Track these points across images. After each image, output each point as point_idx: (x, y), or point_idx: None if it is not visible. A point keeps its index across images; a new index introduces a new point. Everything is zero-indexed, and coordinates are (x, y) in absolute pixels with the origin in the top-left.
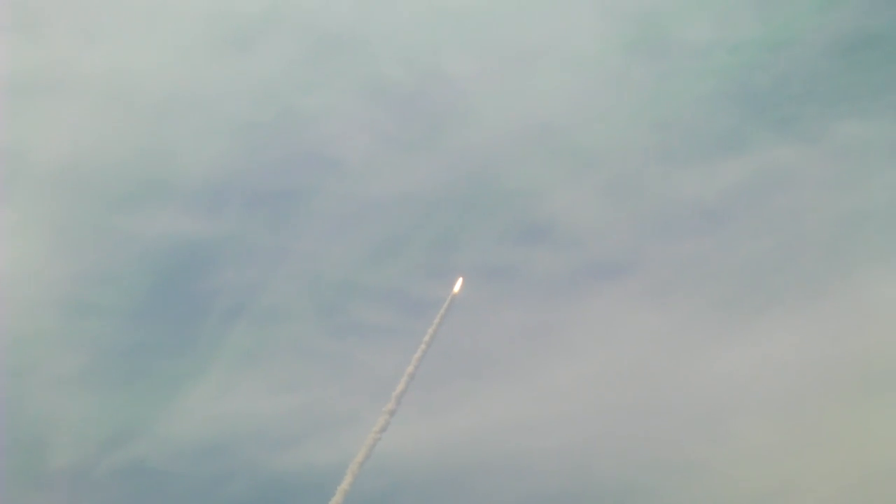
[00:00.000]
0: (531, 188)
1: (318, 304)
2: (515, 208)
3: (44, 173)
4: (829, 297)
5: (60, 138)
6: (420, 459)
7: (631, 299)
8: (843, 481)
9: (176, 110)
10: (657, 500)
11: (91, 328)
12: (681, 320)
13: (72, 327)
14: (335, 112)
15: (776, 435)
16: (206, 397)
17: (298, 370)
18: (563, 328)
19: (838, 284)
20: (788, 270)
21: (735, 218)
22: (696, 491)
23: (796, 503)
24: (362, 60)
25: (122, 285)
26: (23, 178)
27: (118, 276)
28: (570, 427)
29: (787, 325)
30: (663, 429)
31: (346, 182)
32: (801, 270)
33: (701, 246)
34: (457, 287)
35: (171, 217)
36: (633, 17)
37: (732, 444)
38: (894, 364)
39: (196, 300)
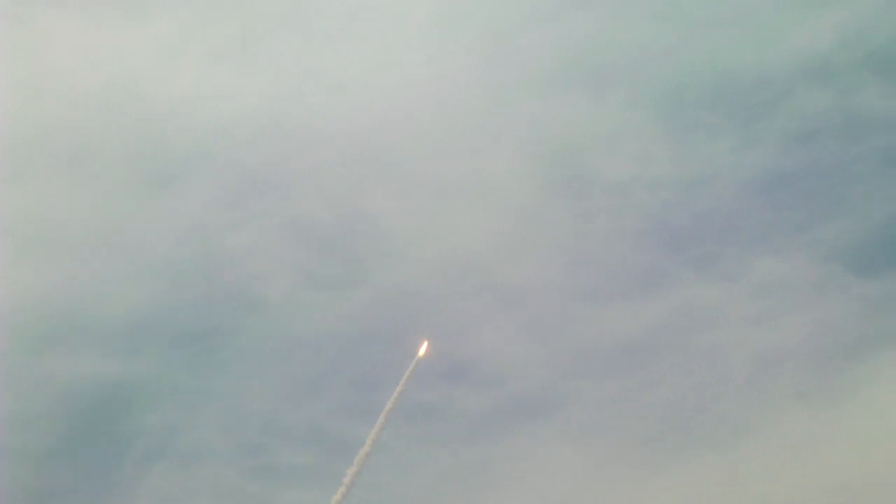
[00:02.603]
0: (453, 325)
1: (240, 445)
2: (443, 341)
3: None
4: (752, 435)
5: None
6: None
7: (554, 437)
8: None
9: (98, 250)
10: None
11: (3, 472)
12: (604, 458)
13: None
14: (258, 251)
15: None
16: None
17: None
18: (486, 467)
19: (760, 422)
20: (711, 408)
21: (657, 356)
22: None
23: None
24: (285, 200)
25: (37, 428)
26: None
27: (34, 418)
28: None
29: (711, 463)
30: None
31: (269, 321)
32: (723, 408)
33: (623, 384)
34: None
35: (90, 358)
36: (554, 155)
37: None
38: (816, 502)
39: (114, 443)
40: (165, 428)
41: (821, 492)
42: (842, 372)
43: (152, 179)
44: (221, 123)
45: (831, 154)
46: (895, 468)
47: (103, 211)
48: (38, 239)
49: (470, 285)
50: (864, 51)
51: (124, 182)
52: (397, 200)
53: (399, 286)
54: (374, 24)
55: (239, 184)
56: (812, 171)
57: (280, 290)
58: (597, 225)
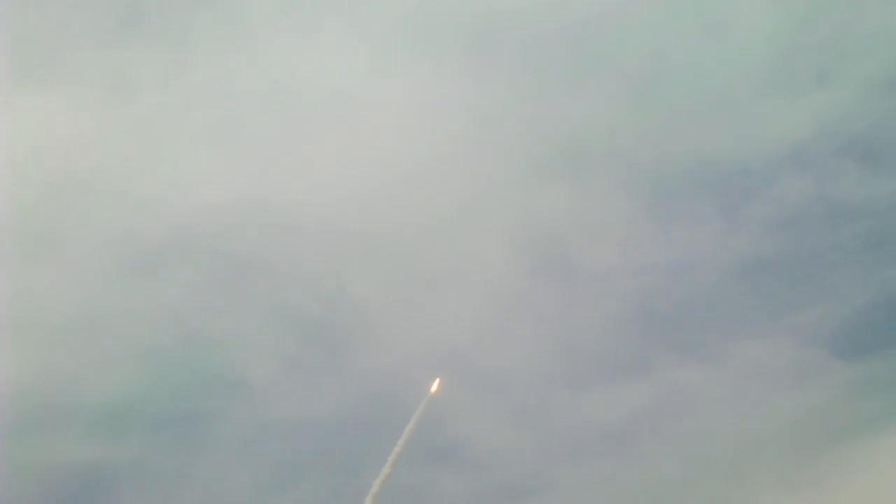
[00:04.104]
0: (437, 410)
1: None
2: (422, 430)
3: None
4: None
5: None
6: None
7: None
8: None
9: (78, 334)
10: None
11: None
12: None
13: None
14: (239, 336)
15: None
16: None
17: None
18: None
19: None
20: (693, 493)
21: (640, 441)
22: None
23: None
24: (267, 285)
25: None
26: None
27: None
28: None
29: None
30: None
31: (250, 406)
32: (705, 493)
33: (607, 469)
34: None
35: (71, 443)
36: (538, 241)
37: None
38: None
39: None
40: None
41: None
42: (825, 456)
43: (133, 264)
44: (202, 208)
45: (812, 240)
46: None
47: (83, 296)
48: (18, 325)
49: (453, 371)
50: (842, 138)
51: (105, 267)
52: (381, 286)
53: (382, 371)
54: (357, 110)
55: (220, 269)
56: (793, 256)
57: (262, 374)
58: (580, 311)
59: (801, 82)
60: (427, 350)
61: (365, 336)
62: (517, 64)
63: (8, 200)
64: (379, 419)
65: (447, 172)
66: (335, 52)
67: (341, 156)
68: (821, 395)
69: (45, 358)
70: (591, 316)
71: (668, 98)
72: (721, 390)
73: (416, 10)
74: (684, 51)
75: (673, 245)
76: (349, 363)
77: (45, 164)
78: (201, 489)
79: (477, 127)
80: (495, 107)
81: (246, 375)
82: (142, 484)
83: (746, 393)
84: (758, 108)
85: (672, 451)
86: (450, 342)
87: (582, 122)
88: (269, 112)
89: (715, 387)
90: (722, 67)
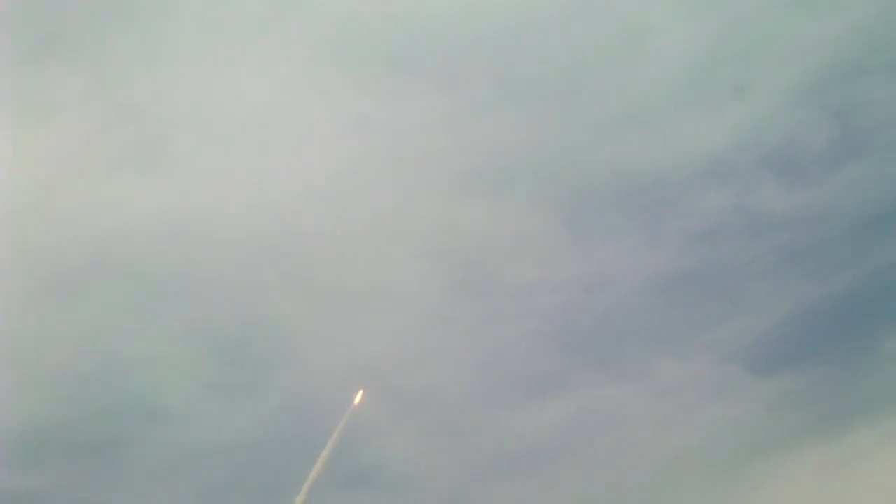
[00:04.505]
0: (356, 430)
1: None
2: (341, 451)
3: None
4: None
5: None
6: None
7: None
8: None
9: None
10: None
11: None
12: None
13: None
14: (158, 359)
15: None
16: None
17: None
18: None
19: None
20: None
21: (561, 457)
22: None
23: None
24: (185, 307)
25: None
26: None
27: None
28: None
29: None
30: None
31: (171, 430)
32: None
33: (529, 487)
34: None
35: None
36: (458, 257)
37: None
38: None
39: None
40: None
41: None
42: (743, 472)
43: (50, 286)
44: (121, 229)
45: (730, 253)
46: None
47: None
48: None
49: (374, 389)
50: (760, 150)
51: (21, 289)
52: (299, 306)
53: (302, 392)
54: (278, 128)
55: (139, 291)
56: (712, 270)
57: (181, 398)
58: (501, 327)
59: (718, 94)
60: (348, 368)
61: (286, 356)
62: (436, 80)
63: None
64: (300, 440)
65: (368, 189)
66: (256, 70)
67: (261, 175)
68: (738, 411)
69: None
70: (512, 332)
71: (586, 112)
72: (640, 407)
73: (337, 29)
74: (602, 64)
75: (592, 260)
76: (270, 385)
77: None
78: None
79: (397, 143)
80: (414, 123)
81: (165, 400)
82: None
83: (665, 409)
84: (676, 121)
85: (593, 467)
86: (371, 360)
87: (501, 138)
88: (189, 132)
89: (634, 403)
90: (640, 80)
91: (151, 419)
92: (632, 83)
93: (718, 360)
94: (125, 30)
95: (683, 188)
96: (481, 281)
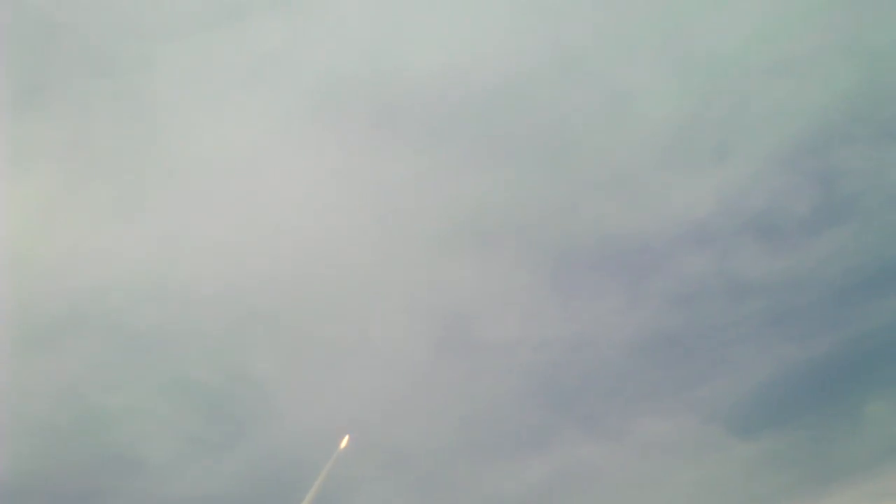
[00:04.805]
0: (338, 484)
1: None
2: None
3: None
4: None
5: None
6: None
7: None
8: None
9: None
10: None
11: None
12: None
13: None
14: (138, 412)
15: None
16: None
17: None
18: None
19: None
20: None
21: None
22: None
23: None
24: (166, 361)
25: None
26: None
27: None
28: None
29: None
30: None
31: (150, 483)
32: None
33: None
34: None
35: None
36: (441, 315)
37: None
38: None
39: None
40: None
41: None
42: None
43: (29, 339)
44: (102, 282)
45: (711, 316)
46: None
47: None
48: None
49: (356, 446)
50: (742, 215)
51: (1, 341)
52: (282, 362)
53: (282, 448)
54: (260, 183)
55: (119, 344)
56: (693, 332)
57: (161, 451)
58: (483, 384)
59: (701, 157)
60: (329, 424)
61: (266, 412)
62: (421, 137)
63: None
64: (279, 495)
65: (351, 246)
66: (238, 125)
67: (243, 230)
68: (718, 472)
69: None
70: (494, 389)
71: (570, 171)
72: (621, 465)
73: (322, 83)
74: (587, 124)
75: (575, 319)
76: (249, 440)
77: None
78: None
79: (380, 200)
80: (398, 180)
81: (143, 453)
82: None
83: (646, 468)
84: (659, 182)
85: None
86: (352, 417)
87: (485, 196)
88: (169, 185)
89: (615, 461)
90: (623, 141)
91: (130, 472)
92: (615, 144)
93: (700, 421)
94: (106, 82)
95: (666, 250)
96: (464, 338)
